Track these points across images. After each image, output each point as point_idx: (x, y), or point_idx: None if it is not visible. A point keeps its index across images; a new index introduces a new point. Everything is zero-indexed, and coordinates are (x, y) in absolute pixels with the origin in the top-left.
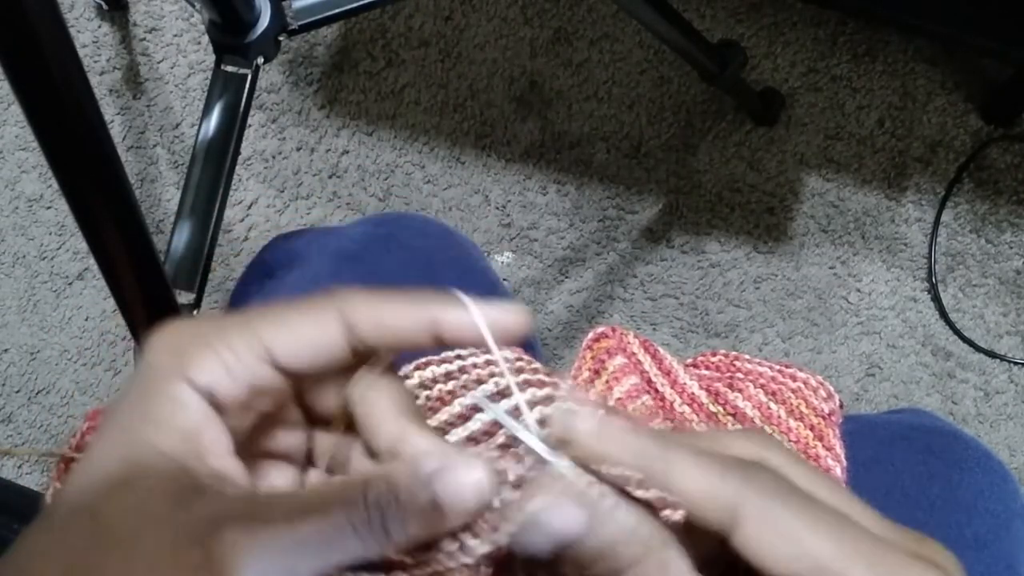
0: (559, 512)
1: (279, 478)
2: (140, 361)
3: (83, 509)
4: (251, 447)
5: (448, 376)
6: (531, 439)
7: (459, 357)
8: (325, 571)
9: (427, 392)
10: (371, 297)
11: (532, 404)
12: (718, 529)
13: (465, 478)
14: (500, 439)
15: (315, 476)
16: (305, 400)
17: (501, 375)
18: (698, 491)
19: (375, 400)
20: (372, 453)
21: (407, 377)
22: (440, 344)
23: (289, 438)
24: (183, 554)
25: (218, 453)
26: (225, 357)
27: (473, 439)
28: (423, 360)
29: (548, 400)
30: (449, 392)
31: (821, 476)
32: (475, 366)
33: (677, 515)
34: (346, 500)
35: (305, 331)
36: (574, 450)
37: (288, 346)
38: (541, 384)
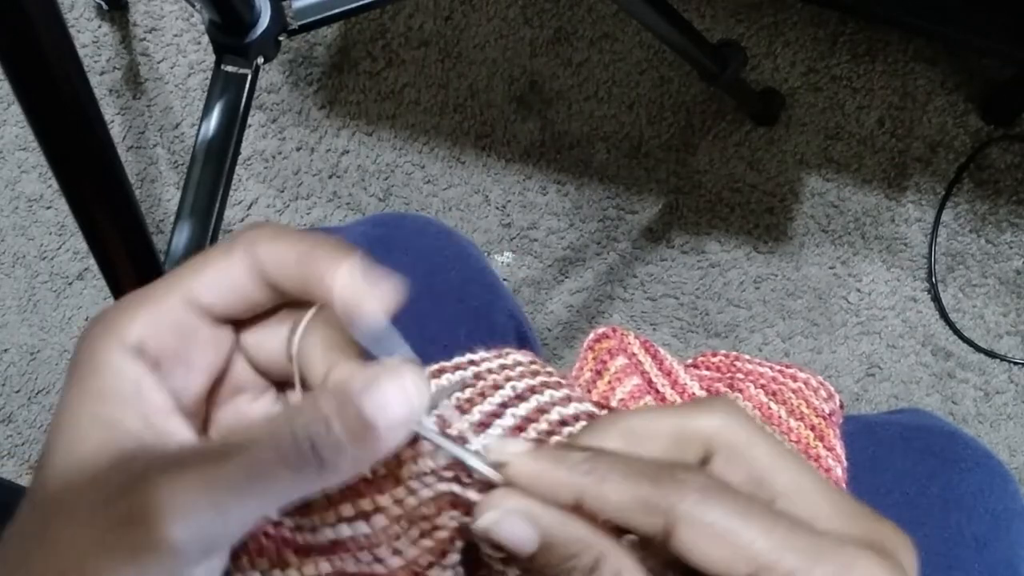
0: (508, 527)
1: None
2: (77, 343)
3: (31, 490)
4: (214, 419)
5: (464, 384)
6: (474, 461)
7: (472, 363)
8: (264, 511)
9: (444, 402)
10: (277, 235)
11: (551, 405)
12: (655, 536)
13: (391, 389)
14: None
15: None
16: (262, 366)
17: (518, 379)
18: (628, 503)
19: (307, 343)
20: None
21: (440, 396)
22: (328, 303)
23: (255, 409)
24: (110, 510)
25: (160, 412)
26: (149, 310)
27: None
28: (437, 368)
29: (566, 401)
30: (467, 400)
31: (784, 451)
32: (490, 371)
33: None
34: (273, 433)
35: (220, 269)
36: (510, 472)
37: (208, 286)
38: (559, 386)
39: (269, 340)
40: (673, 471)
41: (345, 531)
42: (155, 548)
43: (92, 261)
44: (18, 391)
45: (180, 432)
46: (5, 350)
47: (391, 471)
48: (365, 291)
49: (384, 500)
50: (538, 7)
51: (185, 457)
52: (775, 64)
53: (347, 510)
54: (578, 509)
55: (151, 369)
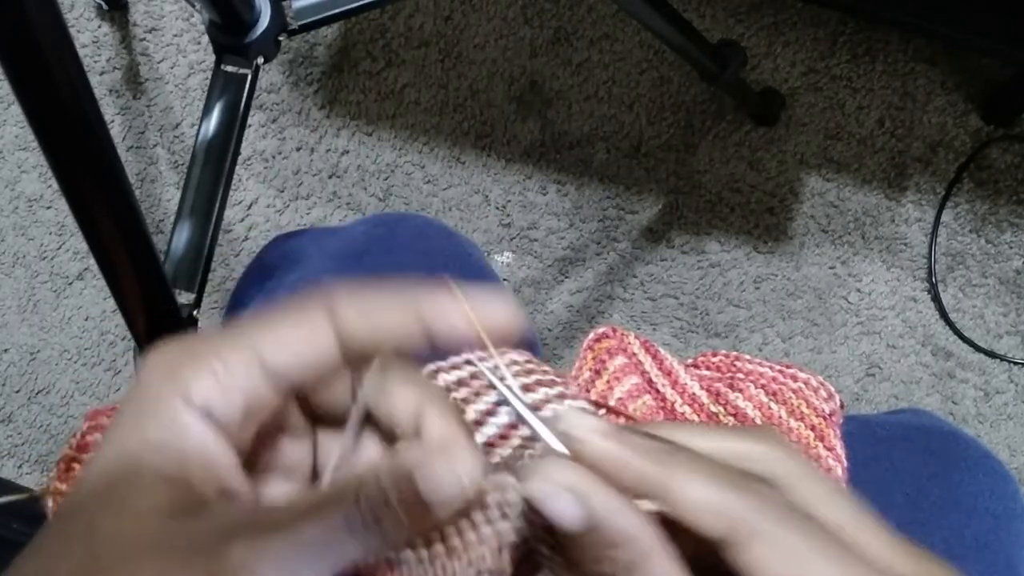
0: (557, 503)
1: (285, 492)
2: (135, 382)
3: (81, 534)
4: (255, 460)
5: (460, 383)
6: (547, 434)
7: (469, 363)
8: (327, 571)
9: (566, 404)
10: (359, 298)
11: (545, 402)
12: (716, 541)
13: (444, 471)
14: (516, 442)
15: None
16: (307, 401)
17: (513, 377)
18: (702, 503)
19: (391, 386)
20: (391, 440)
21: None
22: (433, 344)
23: (294, 448)
24: (191, 570)
25: (222, 471)
26: (219, 372)
27: (489, 444)
28: (433, 368)
29: (560, 397)
30: (463, 400)
31: (835, 489)
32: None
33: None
34: (342, 501)
35: (297, 340)
36: (583, 447)
37: (282, 357)
38: (552, 383)
39: (331, 390)
40: (752, 481)
41: (407, 558)
42: None
43: (92, 261)
44: (18, 391)
45: (242, 488)
46: (5, 350)
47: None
48: (493, 312)
49: (437, 535)
50: (538, 7)
51: (263, 520)
52: (775, 64)
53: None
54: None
55: (217, 431)
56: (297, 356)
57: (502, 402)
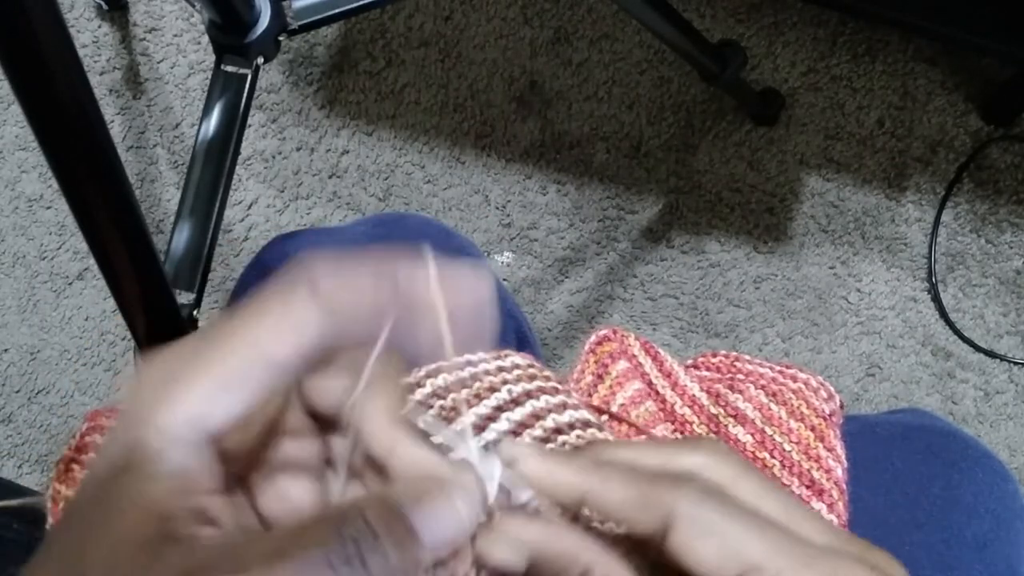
0: (496, 551)
1: (294, 488)
2: (124, 401)
3: (68, 555)
4: (259, 459)
5: (461, 384)
6: (476, 457)
7: (470, 364)
8: None
9: (441, 402)
10: (339, 273)
11: (546, 412)
12: (651, 536)
13: (441, 511)
14: None
15: (335, 484)
16: (308, 404)
17: (515, 383)
18: (629, 501)
19: (369, 406)
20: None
21: (419, 384)
22: (409, 313)
23: (299, 446)
24: None
25: (201, 491)
26: (217, 376)
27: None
28: (434, 367)
29: (562, 408)
30: (464, 402)
31: (771, 486)
32: (488, 373)
33: (621, 528)
34: (323, 537)
35: (289, 327)
36: (520, 468)
37: (275, 341)
38: (555, 391)
39: (327, 388)
40: (674, 476)
41: None
42: None
43: (92, 261)
44: (18, 391)
45: (219, 511)
46: (5, 350)
47: None
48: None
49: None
50: (538, 7)
51: (233, 557)
52: (775, 64)
53: None
54: (576, 519)
55: (205, 442)
56: (292, 343)
57: (503, 407)
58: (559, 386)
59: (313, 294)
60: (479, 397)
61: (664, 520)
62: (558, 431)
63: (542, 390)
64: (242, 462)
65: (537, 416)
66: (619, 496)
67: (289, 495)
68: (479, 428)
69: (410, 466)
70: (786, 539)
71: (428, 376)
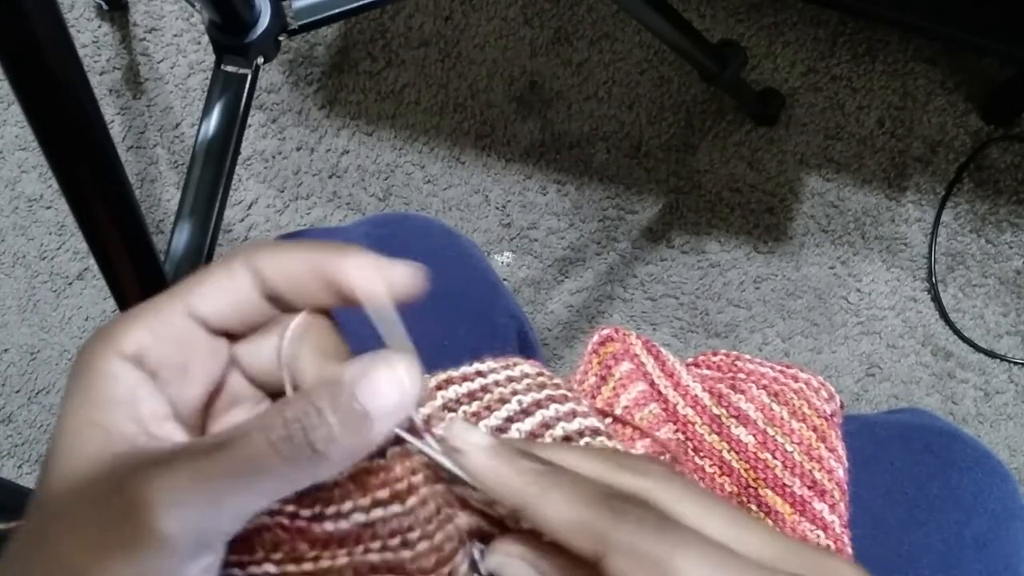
0: (512, 571)
1: None
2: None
3: (34, 496)
4: (210, 429)
5: (471, 396)
6: (430, 449)
7: (480, 374)
8: (259, 504)
9: (451, 415)
10: (277, 247)
11: (555, 421)
12: (587, 558)
13: (385, 377)
14: None
15: None
16: (255, 377)
17: (524, 393)
18: (567, 522)
19: (299, 351)
20: None
21: (430, 398)
22: (339, 299)
23: (246, 413)
24: (103, 509)
25: (156, 418)
26: (151, 323)
27: None
28: (444, 378)
29: (571, 415)
30: (474, 414)
31: (717, 504)
32: (497, 384)
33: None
34: (265, 424)
35: (221, 283)
36: (465, 460)
37: (209, 300)
38: (564, 399)
39: (262, 350)
40: (612, 500)
41: (378, 513)
42: (148, 541)
43: (92, 261)
44: (18, 391)
45: (175, 436)
46: (5, 350)
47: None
48: (382, 274)
49: (418, 479)
50: (538, 7)
51: (177, 452)
52: (775, 64)
53: (383, 493)
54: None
55: (148, 377)
56: (222, 301)
57: (513, 418)
58: (568, 393)
59: (247, 266)
60: (490, 409)
61: (600, 547)
62: (567, 439)
63: (552, 399)
64: (192, 424)
65: (547, 425)
66: (554, 515)
67: None
68: None
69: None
70: (727, 562)
71: (438, 388)
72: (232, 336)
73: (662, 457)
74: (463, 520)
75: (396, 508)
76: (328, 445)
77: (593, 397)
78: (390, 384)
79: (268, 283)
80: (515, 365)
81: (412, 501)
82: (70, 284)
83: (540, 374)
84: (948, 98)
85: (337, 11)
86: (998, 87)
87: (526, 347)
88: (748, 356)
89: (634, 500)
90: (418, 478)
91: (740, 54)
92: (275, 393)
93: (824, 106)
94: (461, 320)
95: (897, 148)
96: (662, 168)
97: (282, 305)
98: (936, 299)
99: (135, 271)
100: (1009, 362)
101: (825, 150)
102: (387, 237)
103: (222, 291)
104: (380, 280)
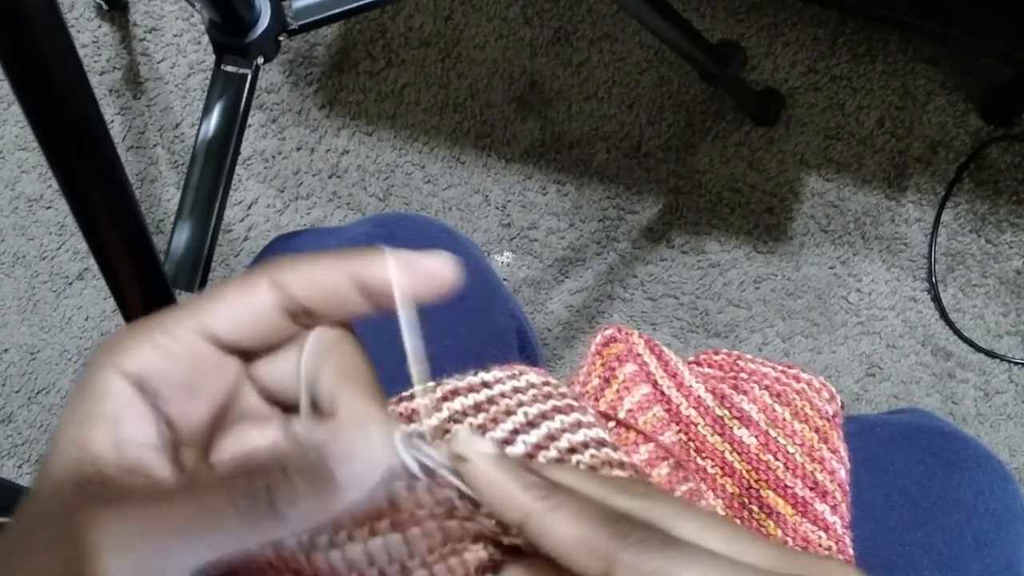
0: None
1: None
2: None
3: (17, 514)
4: (218, 448)
5: (478, 408)
6: (432, 460)
7: (486, 385)
8: (209, 555)
9: (457, 426)
10: (299, 260)
11: (560, 432)
12: None
13: (358, 447)
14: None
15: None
16: (271, 393)
17: (530, 404)
18: (573, 540)
19: (320, 367)
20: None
21: (436, 409)
22: (374, 304)
23: (259, 436)
24: (59, 540)
25: (137, 442)
26: (159, 341)
27: None
28: (450, 389)
29: (576, 427)
30: (480, 426)
31: (714, 520)
32: (503, 395)
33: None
34: (227, 477)
35: (238, 301)
36: (468, 469)
37: (224, 318)
38: (569, 409)
39: (281, 366)
40: (617, 519)
41: (378, 544)
42: None
43: (92, 261)
44: (18, 391)
45: (155, 466)
46: (5, 350)
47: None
48: (416, 267)
49: (423, 513)
50: (538, 7)
51: (134, 491)
52: (775, 64)
53: (383, 525)
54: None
55: (143, 399)
56: (240, 317)
57: (519, 431)
58: (573, 403)
59: (269, 281)
60: (496, 421)
61: (606, 566)
62: (572, 450)
63: (557, 409)
64: (197, 442)
65: (552, 437)
66: (564, 533)
67: None
68: None
69: (353, 417)
70: (728, 573)
71: (444, 400)
72: (244, 354)
73: (665, 462)
74: (472, 555)
75: (396, 540)
76: (288, 507)
77: (597, 399)
78: (363, 453)
79: (296, 297)
80: (521, 375)
81: (415, 533)
82: (70, 284)
83: (546, 383)
84: (948, 98)
85: (337, 11)
86: (998, 87)
87: (526, 347)
88: (750, 356)
89: (636, 519)
90: (423, 511)
91: (740, 54)
92: (289, 408)
93: (824, 106)
94: (461, 320)
95: (897, 148)
96: (662, 168)
97: (303, 321)
98: (936, 299)
99: (135, 271)
100: (1009, 362)
101: (825, 150)
102: (386, 237)
103: (238, 309)
104: (415, 275)
